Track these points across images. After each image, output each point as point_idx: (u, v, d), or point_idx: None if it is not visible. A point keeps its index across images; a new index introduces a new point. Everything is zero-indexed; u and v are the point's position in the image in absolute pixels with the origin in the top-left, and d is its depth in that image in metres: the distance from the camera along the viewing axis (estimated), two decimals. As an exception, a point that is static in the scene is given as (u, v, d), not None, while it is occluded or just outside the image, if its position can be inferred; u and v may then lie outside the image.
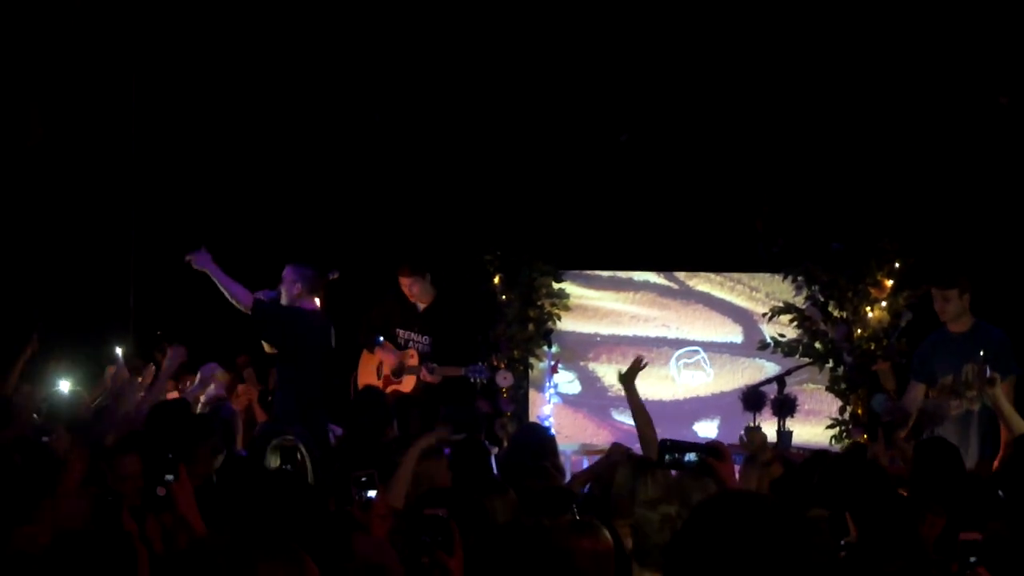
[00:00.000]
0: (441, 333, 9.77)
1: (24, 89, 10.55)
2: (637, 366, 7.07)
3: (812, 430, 9.52)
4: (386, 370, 9.83)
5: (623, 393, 10.51)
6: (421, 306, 9.77)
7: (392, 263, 10.03)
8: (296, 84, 11.06)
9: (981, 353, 7.18)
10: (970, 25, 9.65)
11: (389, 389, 9.56)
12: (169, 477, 4.26)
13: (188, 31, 10.85)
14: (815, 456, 6.22)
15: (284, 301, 8.49)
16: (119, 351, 8.20)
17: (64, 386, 7.92)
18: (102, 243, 11.06)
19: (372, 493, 4.49)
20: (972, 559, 3.90)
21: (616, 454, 6.21)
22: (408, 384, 9.64)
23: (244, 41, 10.89)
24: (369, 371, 9.93)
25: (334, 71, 11.03)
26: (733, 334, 10.46)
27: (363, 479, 4.52)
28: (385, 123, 11.14)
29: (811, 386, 9.86)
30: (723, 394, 10.23)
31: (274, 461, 6.47)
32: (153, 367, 8.20)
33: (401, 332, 9.77)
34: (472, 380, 9.64)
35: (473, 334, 10.35)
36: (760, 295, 10.24)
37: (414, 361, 9.62)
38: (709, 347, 10.50)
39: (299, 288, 8.49)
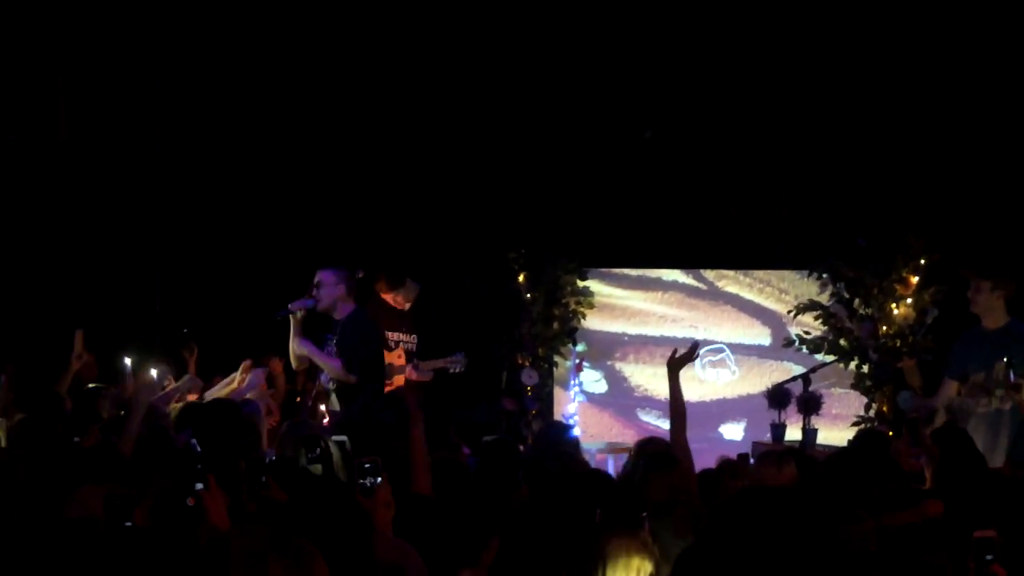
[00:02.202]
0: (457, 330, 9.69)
1: (50, 88, 10.63)
2: (690, 355, 6.48)
3: (839, 434, 9.47)
4: None
5: (650, 393, 10.61)
6: (407, 306, 9.66)
7: (417, 260, 10.04)
8: (320, 82, 11.09)
9: (1005, 360, 7.10)
10: (996, 22, 9.60)
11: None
12: (199, 486, 4.18)
13: (211, 32, 10.89)
14: (839, 454, 6.21)
15: (323, 306, 8.14)
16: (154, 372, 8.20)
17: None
18: (127, 245, 11.12)
19: (377, 480, 4.47)
20: (988, 557, 3.86)
21: None
22: (397, 383, 9.60)
23: (268, 40, 10.93)
24: None
25: (358, 68, 11.06)
26: (761, 336, 10.44)
27: (367, 465, 4.49)
28: (409, 120, 11.15)
29: (838, 390, 9.82)
30: (750, 396, 10.19)
31: (301, 458, 6.49)
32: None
33: (391, 335, 9.69)
34: (451, 371, 9.53)
35: (497, 332, 10.35)
36: (789, 297, 10.19)
37: (401, 360, 9.58)
38: (737, 348, 10.49)
39: (342, 290, 8.31)
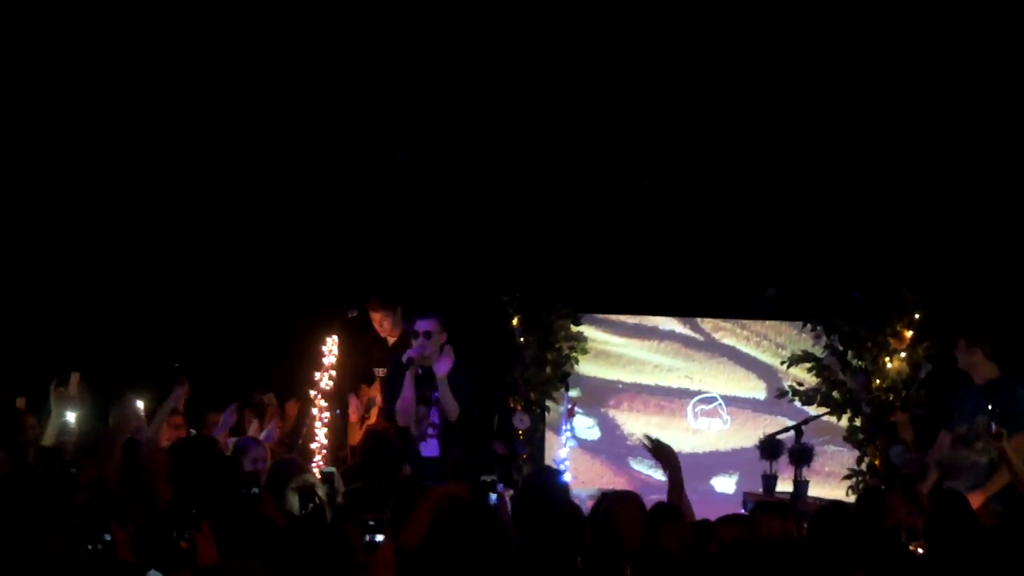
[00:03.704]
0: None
1: (48, 119, 10.66)
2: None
3: (831, 491, 9.44)
4: (362, 411, 9.79)
5: (643, 441, 10.57)
6: (391, 340, 9.65)
7: (411, 300, 10.03)
8: (319, 122, 11.13)
9: (989, 407, 7.13)
10: (996, 81, 9.66)
11: (365, 426, 9.51)
12: (192, 532, 4.31)
13: (209, 72, 10.94)
14: (829, 508, 6.17)
15: (428, 353, 8.35)
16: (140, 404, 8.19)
17: (71, 417, 7.92)
18: (122, 280, 11.12)
19: (379, 537, 4.47)
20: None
21: None
22: (374, 415, 9.58)
23: (268, 81, 10.98)
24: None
25: (357, 111, 11.10)
26: (756, 390, 10.38)
27: (371, 523, 4.50)
28: (407, 163, 11.18)
29: (832, 447, 9.79)
30: (743, 449, 10.10)
31: (294, 503, 6.47)
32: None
33: (378, 371, 9.67)
34: None
35: (490, 374, 10.33)
36: (786, 351, 10.12)
37: (375, 393, 9.60)
38: (732, 401, 10.42)
39: (444, 338, 8.44)
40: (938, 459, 7.62)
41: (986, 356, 7.64)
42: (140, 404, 8.03)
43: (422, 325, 8.42)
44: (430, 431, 8.34)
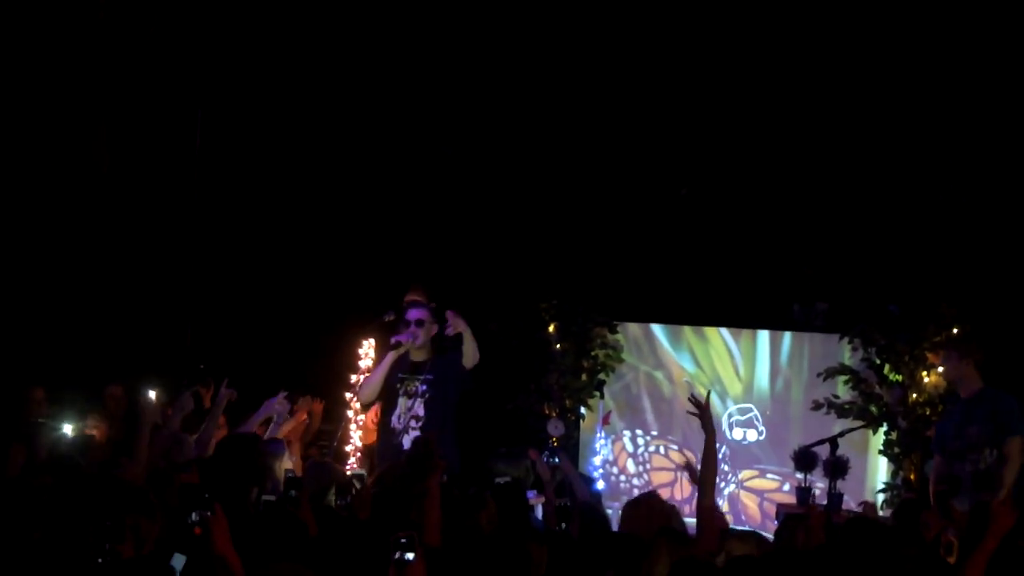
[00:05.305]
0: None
1: (92, 119, 10.76)
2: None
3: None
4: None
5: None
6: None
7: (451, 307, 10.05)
8: (358, 129, 11.18)
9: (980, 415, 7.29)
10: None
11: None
12: (207, 514, 4.25)
13: (252, 68, 11.00)
14: (855, 520, 6.15)
15: (420, 343, 8.33)
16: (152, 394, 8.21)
17: (68, 429, 7.98)
18: (162, 278, 11.20)
19: (410, 555, 4.45)
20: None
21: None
22: None
23: (311, 80, 11.03)
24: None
25: (398, 117, 11.15)
26: (792, 401, 10.31)
27: (403, 540, 4.48)
28: (446, 168, 11.21)
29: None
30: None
31: (331, 497, 6.52)
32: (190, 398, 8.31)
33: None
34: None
35: (526, 381, 10.35)
36: (822, 364, 10.06)
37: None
38: (767, 412, 10.36)
39: (436, 329, 8.39)
40: (936, 477, 7.72)
41: (976, 367, 7.82)
42: (152, 395, 8.06)
43: (414, 314, 8.37)
44: (413, 423, 8.31)
